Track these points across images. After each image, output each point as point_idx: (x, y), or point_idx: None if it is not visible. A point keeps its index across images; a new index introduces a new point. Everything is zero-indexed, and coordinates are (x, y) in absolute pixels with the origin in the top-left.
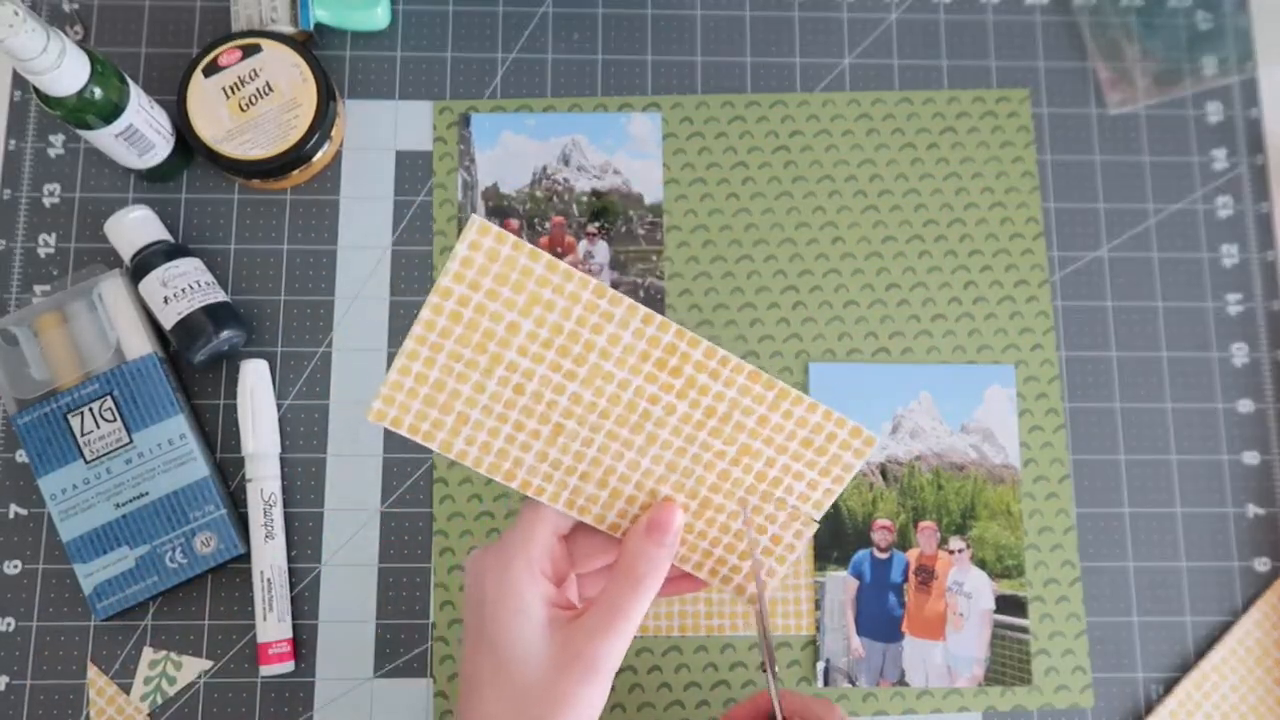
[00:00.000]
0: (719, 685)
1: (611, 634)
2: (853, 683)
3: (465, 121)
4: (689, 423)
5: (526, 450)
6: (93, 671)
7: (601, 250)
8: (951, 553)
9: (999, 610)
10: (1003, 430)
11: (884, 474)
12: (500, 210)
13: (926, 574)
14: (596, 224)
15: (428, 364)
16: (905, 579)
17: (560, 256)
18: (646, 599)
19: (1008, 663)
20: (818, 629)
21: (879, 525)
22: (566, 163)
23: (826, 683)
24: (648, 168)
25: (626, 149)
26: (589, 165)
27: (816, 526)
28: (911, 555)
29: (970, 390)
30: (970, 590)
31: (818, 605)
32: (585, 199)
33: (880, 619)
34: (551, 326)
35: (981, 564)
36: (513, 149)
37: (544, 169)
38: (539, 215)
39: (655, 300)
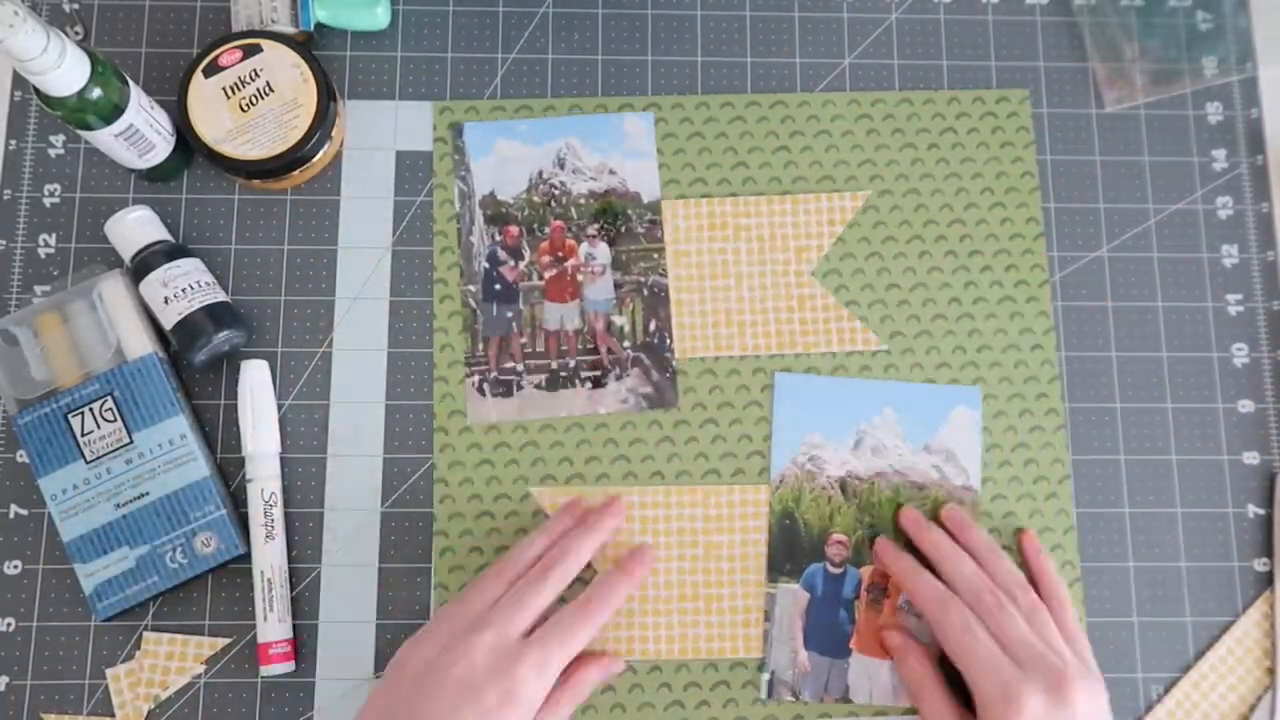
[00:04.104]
0: (719, 685)
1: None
2: (796, 696)
3: (459, 132)
4: None
5: None
6: (111, 672)
7: (603, 251)
8: None
9: None
10: (965, 452)
11: (843, 489)
12: (499, 218)
13: (879, 591)
14: (596, 225)
15: None
16: (857, 595)
17: (562, 260)
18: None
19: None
20: (765, 640)
21: (834, 540)
22: (562, 166)
23: (770, 694)
24: (643, 166)
25: (621, 149)
26: (584, 167)
27: None
28: (865, 572)
29: (935, 410)
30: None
31: (766, 616)
32: (584, 201)
33: (829, 634)
34: None
35: None
36: (507, 156)
37: (540, 174)
38: (538, 220)
39: (660, 297)
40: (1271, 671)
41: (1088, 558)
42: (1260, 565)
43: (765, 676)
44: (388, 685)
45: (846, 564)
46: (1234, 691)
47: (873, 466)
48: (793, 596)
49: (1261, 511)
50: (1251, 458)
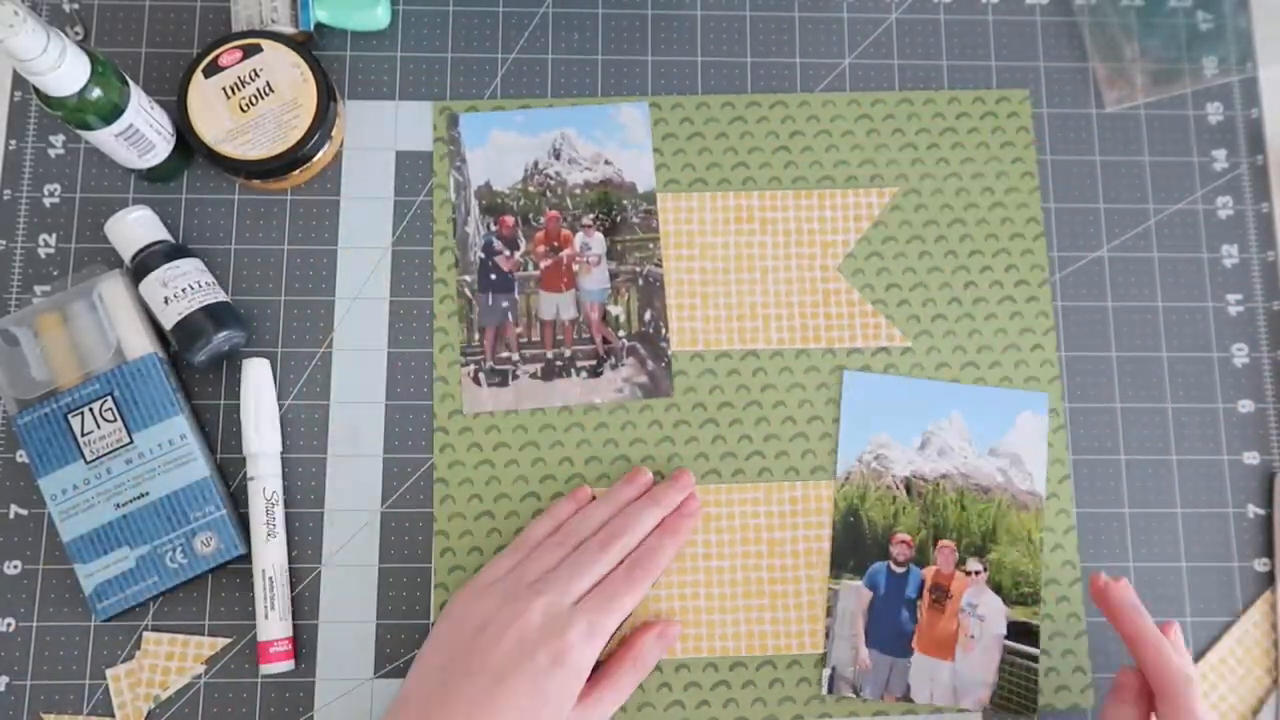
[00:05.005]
0: (719, 685)
1: (613, 707)
2: (857, 693)
3: (454, 122)
4: None
5: None
6: (111, 672)
7: (597, 241)
8: (969, 574)
9: (1010, 636)
10: (1031, 457)
11: (908, 489)
12: (495, 208)
13: (941, 592)
14: (592, 215)
15: None
16: (919, 595)
17: (557, 250)
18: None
19: (1014, 690)
20: (827, 636)
21: (898, 539)
22: (557, 156)
23: (830, 690)
24: (638, 157)
25: (616, 139)
26: (580, 158)
27: None
28: (928, 572)
29: (1002, 414)
30: (984, 613)
31: (829, 612)
32: (579, 191)
33: (891, 633)
34: None
35: (998, 588)
36: (502, 146)
37: (535, 164)
38: (533, 211)
39: (655, 287)
40: (1272, 672)
41: (1088, 558)
42: (1260, 565)
43: (826, 672)
44: (448, 634)
45: (910, 564)
46: (1234, 692)
47: (938, 468)
48: (855, 594)
49: (1261, 511)
50: (1251, 458)
